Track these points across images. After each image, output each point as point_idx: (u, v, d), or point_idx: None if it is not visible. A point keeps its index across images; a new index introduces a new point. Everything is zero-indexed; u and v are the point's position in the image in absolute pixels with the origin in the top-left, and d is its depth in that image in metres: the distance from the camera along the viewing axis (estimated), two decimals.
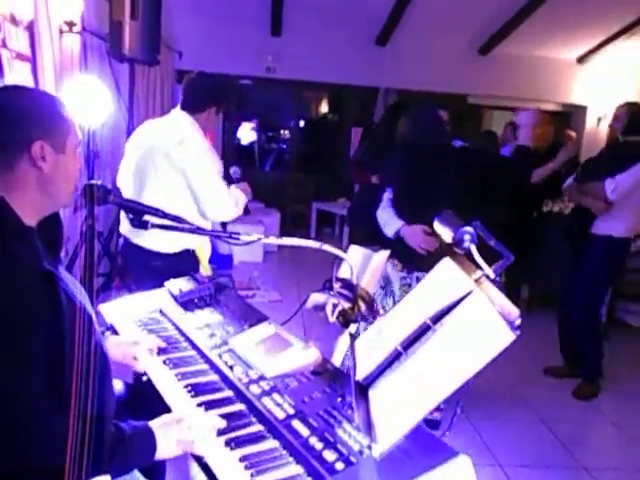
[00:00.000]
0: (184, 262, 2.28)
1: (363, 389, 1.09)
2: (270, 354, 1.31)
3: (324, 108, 9.14)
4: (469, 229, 1.03)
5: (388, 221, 2.58)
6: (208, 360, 1.37)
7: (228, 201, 2.23)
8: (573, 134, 7.12)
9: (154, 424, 1.10)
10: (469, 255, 1.02)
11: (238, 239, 1.23)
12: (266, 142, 9.29)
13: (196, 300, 1.69)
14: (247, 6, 6.13)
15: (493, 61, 7.06)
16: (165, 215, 1.28)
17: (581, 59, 7.12)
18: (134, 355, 1.39)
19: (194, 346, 1.46)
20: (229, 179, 2.40)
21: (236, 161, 7.88)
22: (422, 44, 6.81)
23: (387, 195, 2.67)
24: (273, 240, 1.29)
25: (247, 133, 9.12)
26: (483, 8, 5.97)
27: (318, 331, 1.57)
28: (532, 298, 4.76)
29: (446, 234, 1.09)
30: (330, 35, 6.69)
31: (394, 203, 2.62)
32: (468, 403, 2.90)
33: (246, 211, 2.39)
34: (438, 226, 1.13)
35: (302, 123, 8.75)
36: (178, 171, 2.17)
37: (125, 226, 2.31)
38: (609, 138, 3.21)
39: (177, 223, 1.26)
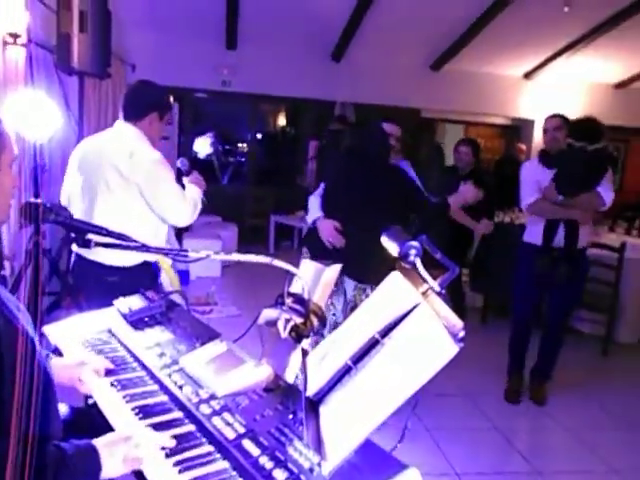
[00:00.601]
0: (142, 276, 2.23)
1: (314, 405, 1.09)
2: (221, 372, 1.29)
3: (282, 121, 9.17)
4: (414, 243, 1.05)
5: (312, 209, 2.88)
6: (157, 380, 1.34)
7: (186, 208, 2.22)
8: (523, 147, 7.39)
9: (98, 442, 1.06)
10: (415, 269, 1.03)
11: (186, 256, 1.21)
12: (224, 155, 9.24)
13: (146, 319, 1.65)
14: (202, 19, 6.12)
15: (445, 77, 7.27)
16: (109, 233, 1.24)
17: (528, 75, 7.41)
18: (79, 377, 1.34)
19: (143, 366, 1.42)
20: (178, 172, 2.38)
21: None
22: (376, 60, 6.95)
23: (322, 187, 2.96)
24: (222, 257, 1.27)
25: (204, 146, 9.04)
26: (434, 26, 6.15)
27: (275, 347, 1.55)
28: (486, 308, 4.86)
29: (393, 248, 1.11)
30: (286, 49, 6.74)
31: (322, 196, 2.89)
32: (426, 413, 2.94)
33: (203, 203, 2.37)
34: (385, 240, 1.14)
35: (260, 136, 8.74)
36: (131, 184, 2.13)
37: None
38: (551, 147, 3.22)
39: (122, 241, 1.23)
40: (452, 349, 0.88)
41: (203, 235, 6.06)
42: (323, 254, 2.58)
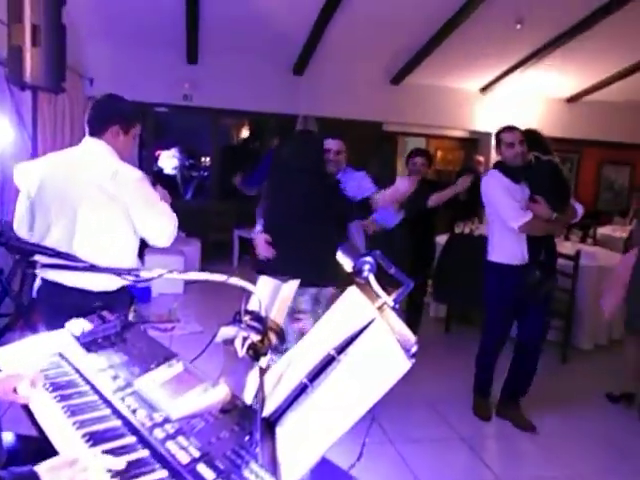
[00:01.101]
0: (124, 299, 2.16)
1: (270, 425, 1.07)
2: (176, 394, 1.26)
3: (245, 135, 9.15)
4: (368, 259, 1.05)
5: (257, 220, 3.02)
6: (110, 405, 1.29)
7: (173, 227, 2.17)
8: (481, 159, 7.57)
9: (41, 468, 1.01)
10: (369, 284, 1.03)
11: (137, 276, 1.18)
12: (186, 170, 9.15)
13: (100, 340, 1.60)
14: (162, 33, 6.07)
15: (405, 91, 7.41)
16: (58, 254, 1.20)
17: (484, 89, 7.62)
18: (14, 388, 1.29)
19: (96, 390, 1.37)
20: None
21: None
22: (337, 74, 7.03)
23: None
24: (175, 276, 1.25)
25: (170, 161, 8.95)
26: (393, 41, 6.27)
27: (233, 366, 1.53)
28: (450, 317, 4.92)
29: (347, 264, 1.11)
30: (247, 63, 6.76)
31: (262, 208, 3.06)
32: (390, 426, 2.94)
33: None
34: (340, 256, 1.14)
35: (223, 150, 8.69)
36: (118, 203, 2.05)
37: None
38: (514, 161, 3.08)
39: (70, 262, 1.19)
40: (405, 364, 0.88)
41: (165, 251, 5.95)
42: (263, 267, 2.67)
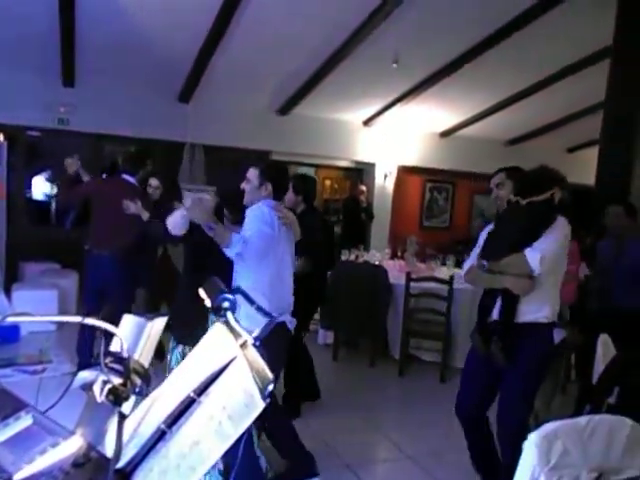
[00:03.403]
0: None
1: (125, 476, 1.01)
2: (22, 450, 1.14)
3: None
4: (228, 296, 1.04)
5: None
6: None
7: None
8: (363, 188, 7.91)
9: None
10: (227, 323, 1.02)
11: None
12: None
13: None
14: (34, 54, 5.71)
15: (292, 121, 7.57)
16: None
17: (367, 122, 8.01)
18: None
19: None
20: None
21: (27, 219, 7.11)
22: (225, 103, 7.03)
23: None
24: (18, 319, 1.14)
25: (41, 187, 8.32)
26: (279, 73, 6.41)
27: (92, 413, 1.42)
28: (337, 344, 5.00)
29: (208, 301, 1.08)
30: (130, 88, 6.55)
31: None
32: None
33: None
34: (202, 293, 1.11)
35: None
36: None
37: None
38: (497, 206, 2.78)
39: None
40: (260, 404, 0.87)
41: (37, 285, 5.51)
42: None
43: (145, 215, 3.63)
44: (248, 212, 2.53)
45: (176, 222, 2.47)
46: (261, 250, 2.42)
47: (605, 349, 2.68)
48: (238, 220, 2.67)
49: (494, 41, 5.59)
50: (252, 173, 2.55)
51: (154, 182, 4.13)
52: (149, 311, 4.29)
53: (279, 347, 2.46)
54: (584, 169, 6.33)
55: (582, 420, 1.57)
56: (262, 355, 1.04)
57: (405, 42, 5.70)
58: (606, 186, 4.23)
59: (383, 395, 4.32)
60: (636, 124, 4.19)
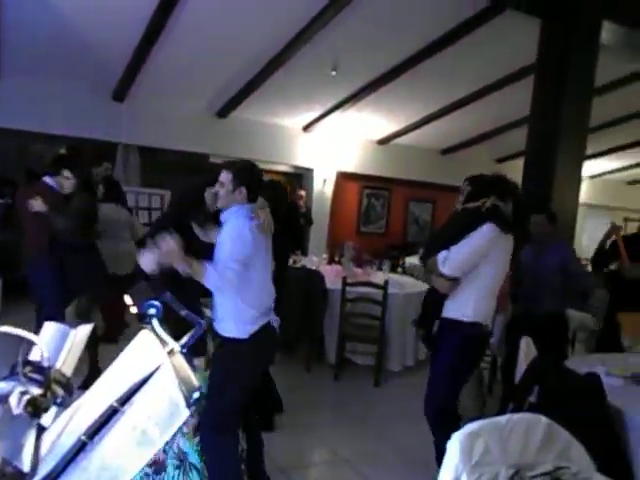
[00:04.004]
0: None
1: None
2: None
3: None
4: (155, 303, 1.02)
5: None
6: None
7: None
8: (302, 193, 7.95)
9: None
10: (153, 330, 1.00)
11: None
12: None
13: None
14: None
15: (232, 124, 7.51)
16: None
17: (306, 127, 8.07)
18: None
19: None
20: None
21: None
22: (162, 103, 6.88)
23: None
24: None
25: None
26: (216, 76, 6.34)
27: (9, 426, 1.35)
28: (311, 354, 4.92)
29: (133, 308, 1.07)
30: (61, 85, 6.27)
31: None
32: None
33: None
34: (128, 299, 1.09)
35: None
36: None
37: None
38: None
39: None
40: (184, 413, 0.87)
41: None
42: None
43: (42, 208, 3.55)
44: (224, 226, 2.39)
45: (147, 263, 2.31)
46: (240, 275, 2.29)
47: (527, 351, 2.83)
48: (204, 222, 2.62)
49: (429, 53, 5.78)
50: (225, 177, 2.43)
51: (66, 172, 3.94)
52: (83, 317, 4.11)
53: (269, 345, 2.50)
54: (512, 179, 6.66)
55: (502, 419, 1.65)
56: (189, 362, 1.03)
57: (344, 50, 5.80)
58: (531, 195, 4.46)
59: (319, 399, 4.35)
60: (557, 139, 4.45)
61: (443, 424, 2.57)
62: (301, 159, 8.29)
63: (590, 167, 8.97)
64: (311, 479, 3.09)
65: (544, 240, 3.85)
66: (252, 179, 2.50)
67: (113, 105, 6.76)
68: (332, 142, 8.34)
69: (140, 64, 5.82)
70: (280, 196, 3.50)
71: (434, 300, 2.81)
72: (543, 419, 1.66)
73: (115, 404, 0.99)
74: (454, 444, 1.56)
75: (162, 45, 5.46)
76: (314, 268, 5.37)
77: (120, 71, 6.08)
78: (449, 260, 2.60)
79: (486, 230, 2.58)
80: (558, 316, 3.91)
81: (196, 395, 0.89)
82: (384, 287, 4.62)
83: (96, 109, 6.63)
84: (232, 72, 6.22)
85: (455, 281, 2.64)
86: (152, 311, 1.02)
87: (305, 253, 6.73)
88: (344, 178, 8.79)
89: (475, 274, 2.62)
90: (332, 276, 5.19)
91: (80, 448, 0.98)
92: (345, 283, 4.65)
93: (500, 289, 2.85)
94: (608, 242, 4.26)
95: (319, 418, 3.91)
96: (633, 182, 11.53)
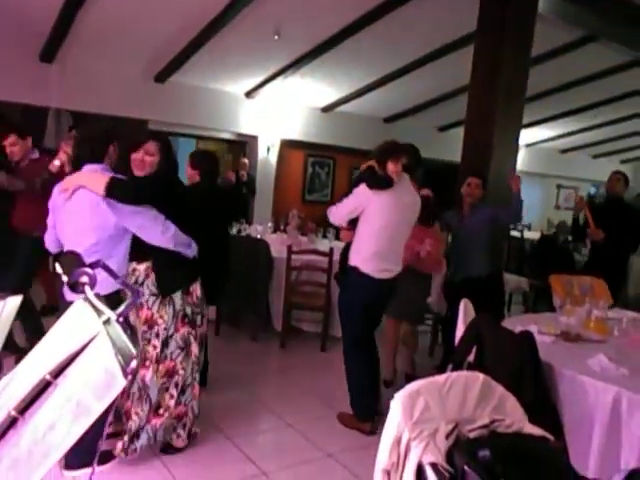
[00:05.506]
0: None
1: None
2: None
3: None
4: (87, 270, 0.98)
5: None
6: None
7: None
8: (246, 161, 7.82)
9: None
10: (87, 299, 0.96)
11: None
12: None
13: None
14: None
15: (171, 89, 7.23)
16: None
17: (249, 94, 7.88)
18: None
19: None
20: None
21: None
22: (96, 66, 6.52)
23: None
24: None
25: None
26: (154, 38, 6.05)
27: None
28: (219, 319, 4.93)
29: (64, 277, 1.01)
30: None
31: None
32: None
33: None
34: (58, 267, 1.04)
35: None
36: None
37: None
38: None
39: None
40: (121, 382, 0.84)
41: None
42: None
43: None
44: None
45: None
46: None
47: (466, 312, 2.94)
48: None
49: (372, 19, 5.72)
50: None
51: (11, 139, 3.73)
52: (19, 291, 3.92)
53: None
54: (454, 146, 6.76)
55: (441, 378, 1.70)
56: (125, 331, 0.99)
57: (287, 14, 5.64)
58: (470, 163, 4.57)
59: (265, 367, 4.38)
60: (496, 107, 4.56)
61: (349, 351, 3.41)
62: (245, 126, 8.11)
63: (526, 135, 9.26)
64: (257, 445, 3.11)
65: (473, 203, 4.05)
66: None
67: (41, 66, 6.34)
68: (276, 109, 8.20)
69: (69, 23, 5.46)
70: (207, 164, 3.49)
71: (345, 251, 3.38)
72: (481, 376, 1.74)
73: (48, 377, 0.94)
74: (396, 403, 1.60)
75: (93, 3, 5.14)
76: (259, 237, 5.33)
77: (47, 29, 5.69)
78: (331, 212, 3.26)
79: (358, 190, 3.13)
80: (494, 277, 4.11)
81: (134, 364, 0.86)
82: (329, 255, 4.65)
83: (20, 70, 6.20)
84: (170, 34, 5.94)
85: (352, 231, 3.25)
86: (85, 279, 0.97)
87: (250, 222, 6.66)
88: (288, 146, 8.69)
89: (359, 227, 3.19)
90: (277, 245, 5.18)
91: (10, 424, 0.93)
92: (290, 251, 4.65)
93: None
94: (581, 215, 4.80)
95: (265, 386, 3.95)
96: (566, 150, 12.02)
